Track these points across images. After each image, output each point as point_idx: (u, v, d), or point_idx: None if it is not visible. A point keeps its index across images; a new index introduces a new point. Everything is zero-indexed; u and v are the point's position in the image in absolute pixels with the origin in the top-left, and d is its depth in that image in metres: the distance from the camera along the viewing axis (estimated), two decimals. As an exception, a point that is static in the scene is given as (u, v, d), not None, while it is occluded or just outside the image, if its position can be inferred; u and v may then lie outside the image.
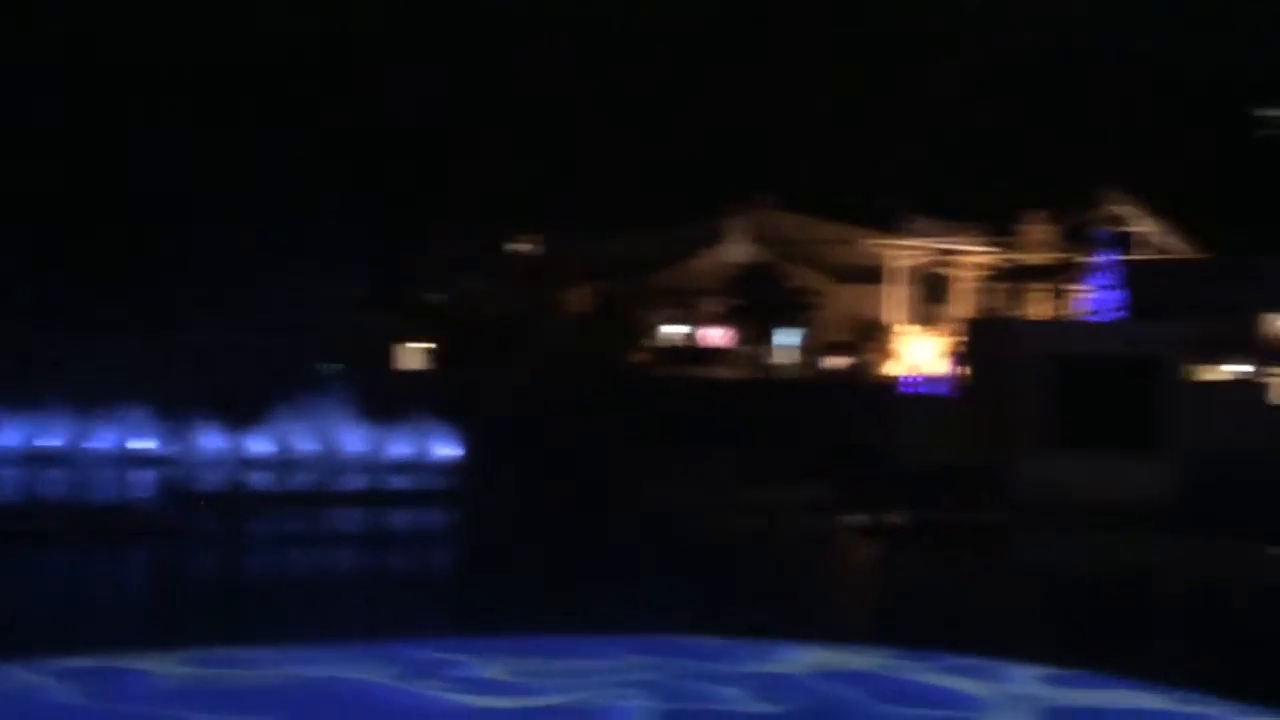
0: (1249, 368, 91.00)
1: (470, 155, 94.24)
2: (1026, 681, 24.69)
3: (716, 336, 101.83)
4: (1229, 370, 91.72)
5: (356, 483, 53.62)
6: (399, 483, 53.48)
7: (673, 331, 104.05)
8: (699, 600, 31.90)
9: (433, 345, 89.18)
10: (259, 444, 58.70)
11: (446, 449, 58.32)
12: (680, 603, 30.90)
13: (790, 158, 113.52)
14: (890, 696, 23.45)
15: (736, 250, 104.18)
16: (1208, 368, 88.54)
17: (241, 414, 58.41)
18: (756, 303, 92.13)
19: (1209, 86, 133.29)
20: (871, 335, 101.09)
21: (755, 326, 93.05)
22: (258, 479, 53.75)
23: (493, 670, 24.86)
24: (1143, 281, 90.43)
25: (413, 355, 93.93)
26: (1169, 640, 32.38)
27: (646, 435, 56.33)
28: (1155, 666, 26.92)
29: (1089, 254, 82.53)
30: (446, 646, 26.01)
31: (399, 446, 58.75)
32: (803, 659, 25.88)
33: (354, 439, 59.15)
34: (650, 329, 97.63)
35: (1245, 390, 73.14)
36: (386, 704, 22.64)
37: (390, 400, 61.34)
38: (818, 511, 46.71)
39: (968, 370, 59.99)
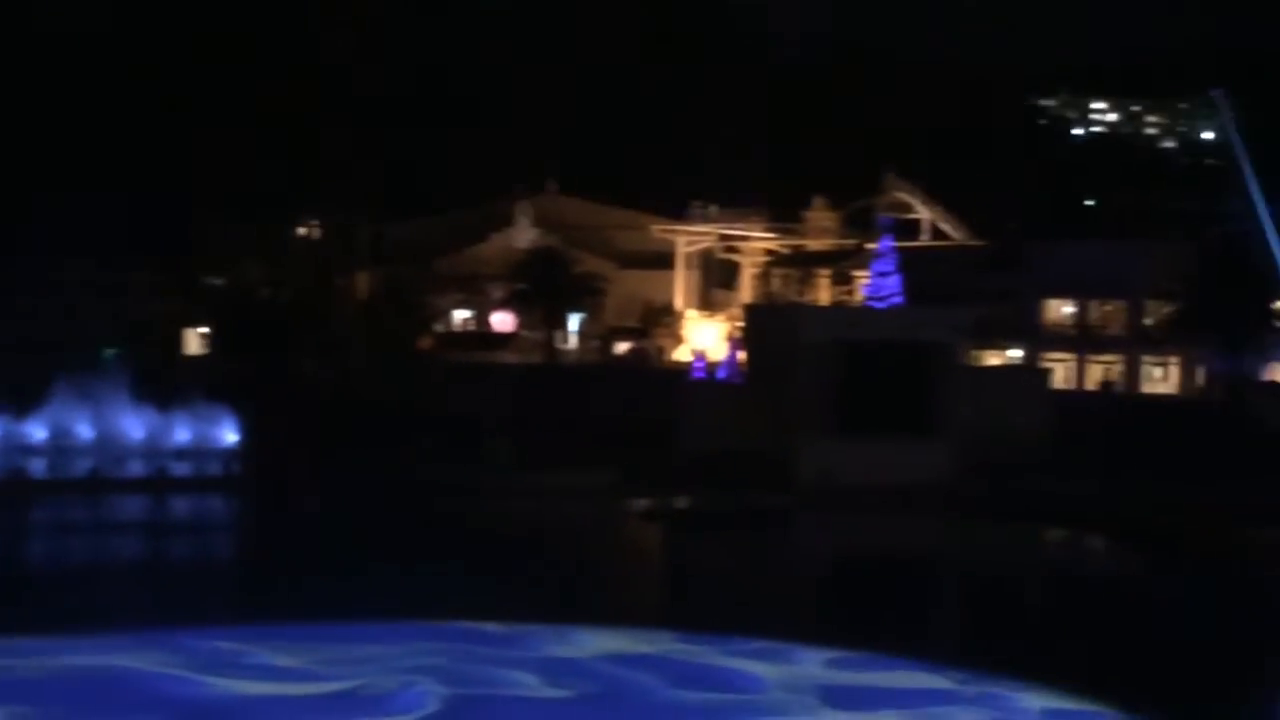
0: (1024, 351, 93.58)
1: (259, 140, 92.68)
2: (811, 664, 25.07)
3: (504, 322, 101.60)
4: (1007, 354, 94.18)
5: (136, 469, 52.57)
6: (179, 469, 52.52)
7: (459, 317, 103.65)
8: (481, 586, 31.79)
9: (213, 331, 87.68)
10: (36, 430, 57.24)
11: (228, 435, 57.41)
12: (461, 589, 30.76)
13: (581, 145, 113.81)
14: (678, 680, 23.63)
15: (523, 235, 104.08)
16: (986, 352, 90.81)
17: (18, 400, 56.86)
18: (541, 288, 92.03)
19: (989, 80, 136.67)
20: (660, 320, 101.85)
21: (541, 311, 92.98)
22: (35, 466, 52.45)
23: (281, 658, 24.55)
24: (923, 268, 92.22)
25: (197, 340, 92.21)
26: (949, 621, 33.08)
27: (428, 421, 55.97)
28: (936, 647, 27.58)
29: (870, 240, 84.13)
30: (232, 635, 25.62)
31: (180, 433, 57.70)
32: (591, 643, 25.97)
33: (134, 425, 57.96)
34: (436, 314, 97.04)
35: (1022, 374, 75.18)
36: (169, 694, 22.21)
37: (173, 386, 60.27)
38: (603, 496, 46.86)
39: (748, 355, 60.62)
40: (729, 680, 23.82)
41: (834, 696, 22.88)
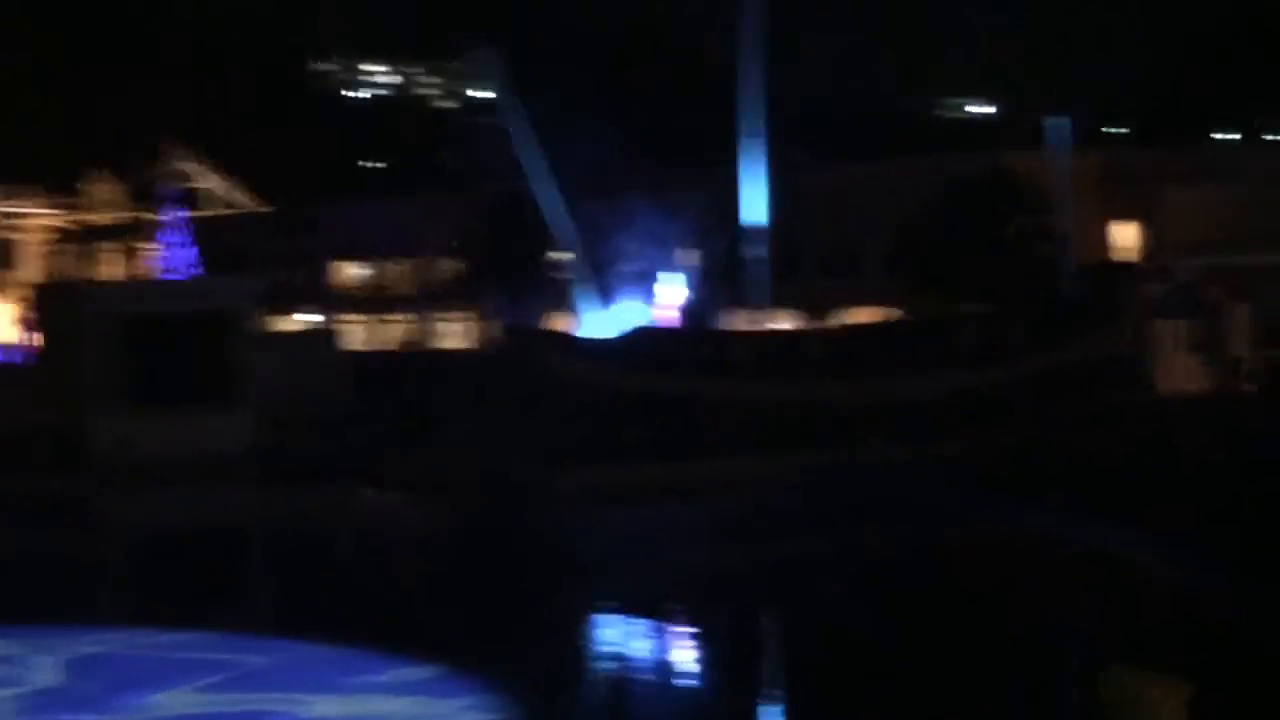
0: (320, 316, 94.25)
1: None
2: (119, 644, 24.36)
3: None
4: (302, 319, 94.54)
5: None
6: None
7: None
8: None
9: None
10: None
11: None
12: None
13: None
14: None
15: None
16: (283, 317, 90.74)
17: None
18: None
19: (269, 45, 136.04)
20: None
21: None
22: None
23: None
24: (214, 236, 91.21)
25: None
26: (266, 590, 32.91)
27: None
28: (262, 619, 27.64)
29: (157, 212, 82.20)
30: None
31: None
32: None
33: None
34: None
35: (317, 338, 75.47)
36: None
37: None
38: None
39: (41, 336, 58.15)
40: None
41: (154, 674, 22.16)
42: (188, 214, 70.69)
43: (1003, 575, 30.43)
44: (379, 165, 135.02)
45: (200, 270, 67.18)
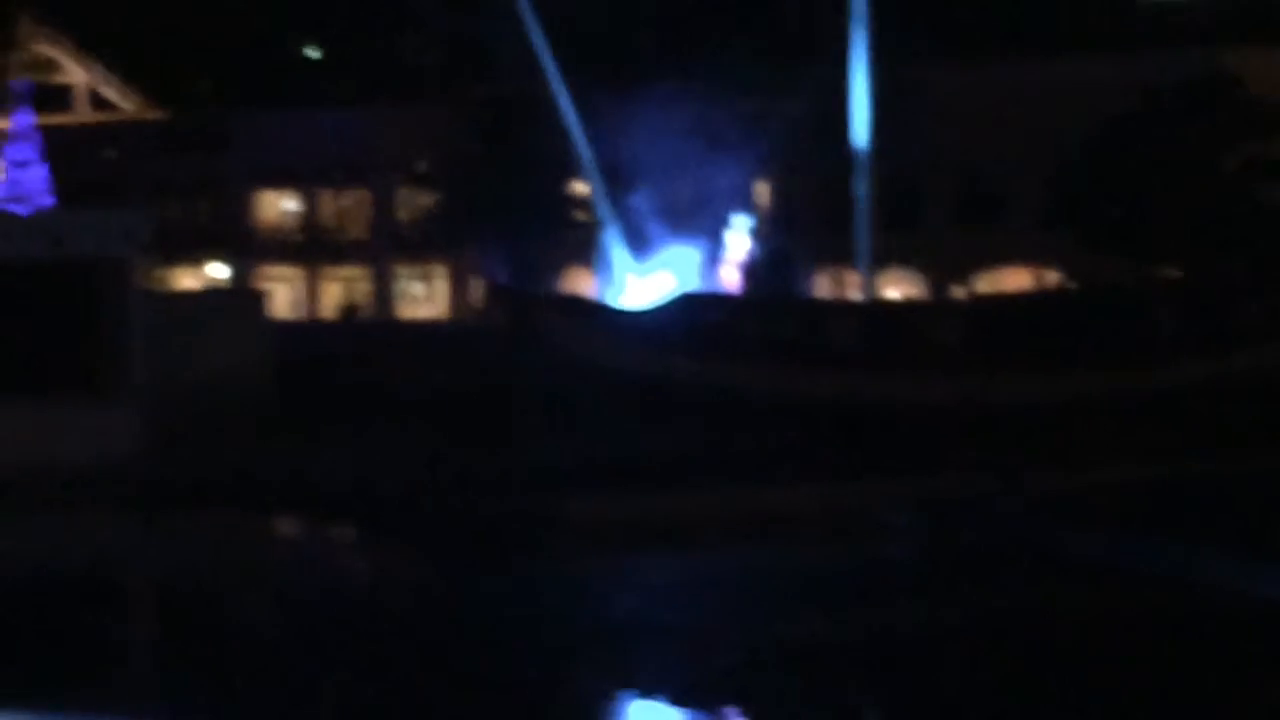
0: (233, 267, 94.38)
1: None
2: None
3: None
4: (209, 272, 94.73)
5: None
6: None
7: None
8: None
9: None
10: None
11: None
12: None
13: None
14: None
15: None
16: (179, 270, 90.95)
17: None
18: None
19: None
20: None
21: None
22: None
23: None
24: (81, 153, 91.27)
25: None
26: (146, 662, 33.00)
27: None
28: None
29: (2, 117, 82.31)
30: None
31: None
32: None
33: None
34: None
35: (227, 301, 75.54)
36: None
37: None
38: None
39: None
40: None
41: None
42: (40, 121, 70.18)
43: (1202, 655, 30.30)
44: (316, 56, 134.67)
45: (58, 201, 66.95)
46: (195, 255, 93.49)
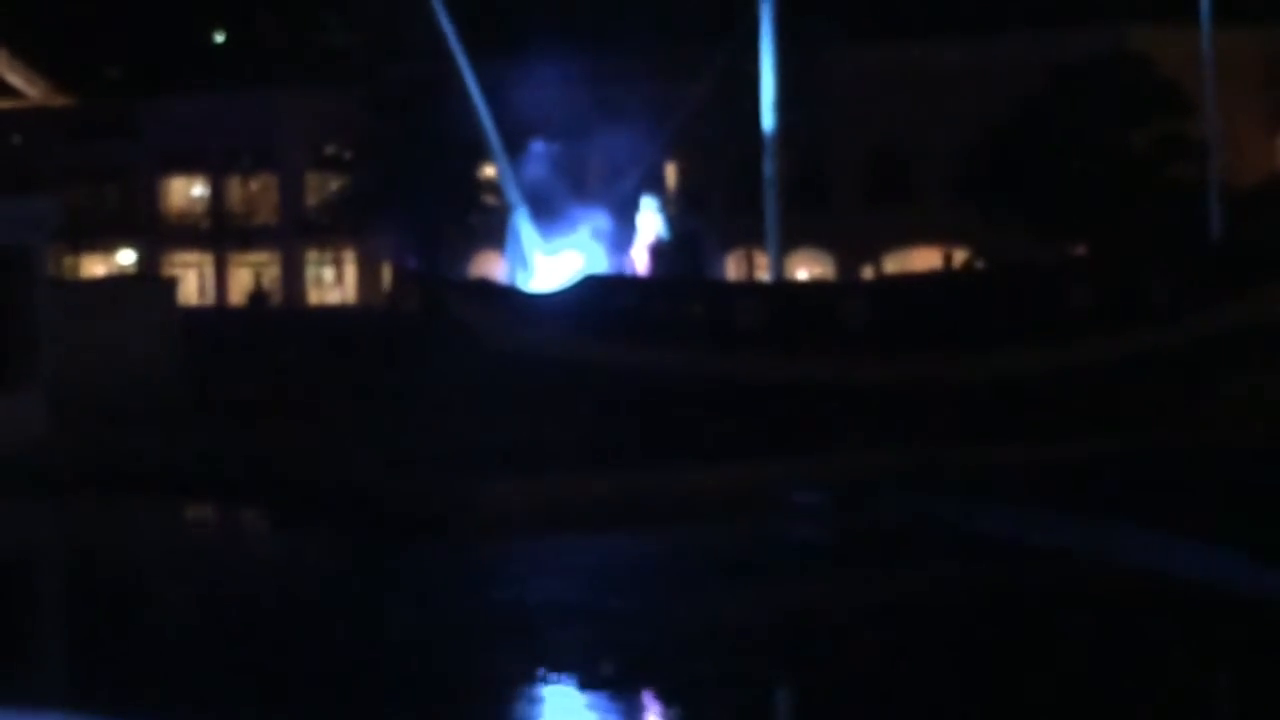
0: (141, 254, 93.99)
1: None
2: None
3: None
4: (117, 259, 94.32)
5: None
6: None
7: None
8: None
9: None
10: None
11: None
12: None
13: None
14: None
15: None
16: (87, 257, 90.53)
17: None
18: None
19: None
20: None
21: None
22: None
23: None
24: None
25: None
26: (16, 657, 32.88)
27: None
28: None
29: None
30: None
31: None
32: None
33: None
34: None
35: (136, 289, 75.19)
36: None
37: None
38: None
39: None
40: None
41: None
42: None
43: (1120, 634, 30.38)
44: (225, 41, 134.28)
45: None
46: (104, 242, 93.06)
